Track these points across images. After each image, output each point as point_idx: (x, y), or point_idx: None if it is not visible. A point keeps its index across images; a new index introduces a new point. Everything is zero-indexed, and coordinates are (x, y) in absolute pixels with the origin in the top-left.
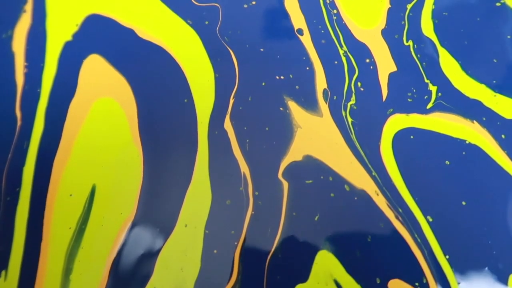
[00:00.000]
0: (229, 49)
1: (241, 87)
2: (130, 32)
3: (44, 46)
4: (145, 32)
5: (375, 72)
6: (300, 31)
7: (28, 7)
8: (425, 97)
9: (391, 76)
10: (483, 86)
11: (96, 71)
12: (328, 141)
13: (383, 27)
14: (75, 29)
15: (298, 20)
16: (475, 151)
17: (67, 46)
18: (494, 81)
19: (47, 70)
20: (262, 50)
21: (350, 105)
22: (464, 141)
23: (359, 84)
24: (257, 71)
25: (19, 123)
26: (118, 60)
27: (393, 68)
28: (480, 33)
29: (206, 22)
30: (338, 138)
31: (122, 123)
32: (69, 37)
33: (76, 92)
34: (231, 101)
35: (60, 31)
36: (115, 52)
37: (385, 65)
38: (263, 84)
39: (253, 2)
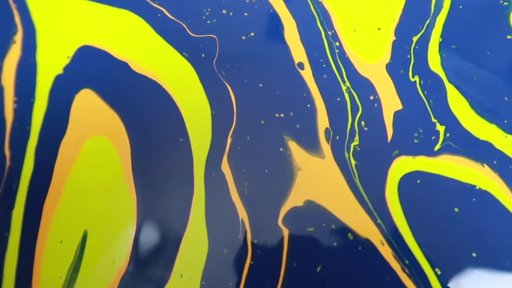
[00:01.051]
0: (226, 84)
1: (239, 125)
2: (124, 65)
3: (34, 79)
4: (139, 65)
5: (380, 110)
6: (301, 65)
7: (18, 37)
8: (433, 137)
9: (397, 114)
10: (493, 126)
11: (88, 107)
12: (331, 185)
13: (387, 61)
14: (66, 61)
15: (298, 53)
16: (486, 197)
17: (58, 80)
18: (506, 121)
19: (37, 106)
20: (260, 85)
21: (354, 146)
22: (474, 186)
23: (362, 123)
24: (256, 108)
25: (8, 163)
26: (111, 95)
27: (399, 106)
28: (490, 68)
29: (203, 55)
30: (341, 182)
31: (115, 164)
32: (60, 70)
33: (67, 129)
34: (229, 140)
35: (51, 64)
36: (107, 87)
37: (390, 103)
38: (262, 122)
39: (252, 34)
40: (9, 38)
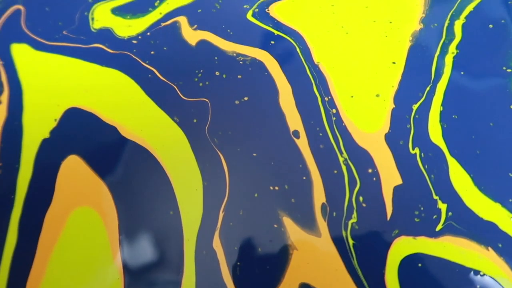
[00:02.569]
0: (218, 152)
1: (232, 198)
2: (112, 130)
3: (19, 144)
4: (128, 130)
5: (379, 185)
6: (296, 134)
7: (4, 97)
8: (434, 216)
9: (396, 190)
10: (498, 205)
11: (75, 175)
12: (327, 267)
13: (386, 131)
14: (53, 124)
15: (294, 120)
16: (491, 285)
17: (45, 145)
18: (511, 200)
19: (22, 173)
20: (254, 155)
21: (351, 223)
22: (479, 272)
23: (361, 198)
24: (250, 179)
25: None
26: (99, 162)
27: (398, 180)
28: (494, 140)
29: (195, 120)
30: (338, 264)
31: (101, 239)
32: (46, 134)
33: (53, 199)
34: (221, 215)
35: (37, 127)
36: (95, 153)
37: (389, 177)
38: (256, 195)
39: (245, 98)
40: None
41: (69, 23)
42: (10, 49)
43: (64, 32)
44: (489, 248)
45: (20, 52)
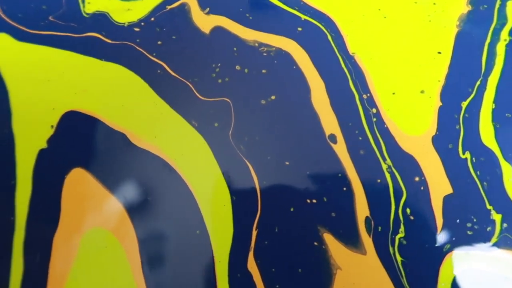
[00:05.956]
0: (246, 162)
1: (265, 214)
2: (121, 137)
3: (12, 155)
4: (140, 137)
5: (427, 195)
6: (333, 138)
7: None
8: (488, 228)
9: (446, 200)
10: None
11: (83, 191)
12: (375, 287)
13: (433, 133)
14: (50, 132)
15: (329, 122)
16: None
17: (42, 156)
18: None
19: (20, 190)
20: (287, 163)
21: (399, 238)
22: None
23: (408, 210)
24: (283, 192)
25: None
26: (108, 175)
27: (448, 189)
28: None
29: (216, 124)
30: (386, 284)
31: (121, 262)
32: (43, 144)
33: (60, 221)
34: (254, 232)
35: (31, 135)
36: (103, 165)
37: (438, 186)
38: (292, 209)
39: (272, 97)
40: None
41: (55, 7)
42: None
43: (51, 18)
44: None
45: None
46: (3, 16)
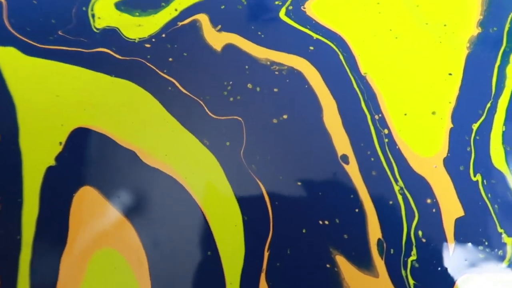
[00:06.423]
0: (258, 181)
1: (276, 235)
2: (131, 155)
3: (19, 173)
4: (151, 155)
5: (439, 217)
6: (345, 158)
7: None
8: (499, 252)
9: (458, 222)
10: None
11: (91, 210)
12: None
13: (445, 155)
14: (58, 149)
15: (341, 142)
16: None
17: (50, 174)
18: None
19: (27, 208)
20: (299, 184)
21: (411, 261)
22: None
23: (420, 233)
24: (295, 213)
25: None
26: (118, 195)
27: (460, 212)
28: None
29: (227, 143)
30: None
31: (131, 285)
32: (51, 161)
33: (68, 240)
34: (266, 254)
35: (39, 152)
36: (113, 183)
37: (450, 208)
38: (304, 231)
39: (284, 116)
40: None
41: (65, 21)
42: None
43: (60, 33)
44: None
45: (6, 58)
46: (11, 29)
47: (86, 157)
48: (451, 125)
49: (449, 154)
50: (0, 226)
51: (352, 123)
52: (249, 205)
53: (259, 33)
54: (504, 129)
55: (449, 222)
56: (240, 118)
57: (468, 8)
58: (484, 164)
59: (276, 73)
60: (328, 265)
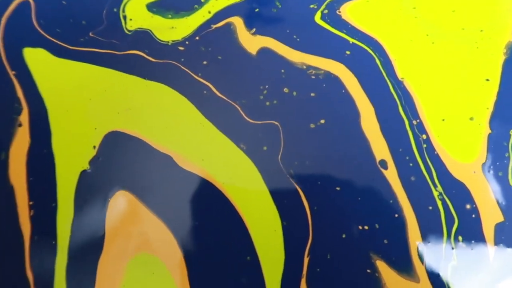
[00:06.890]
0: (297, 186)
1: (316, 240)
2: (167, 159)
3: (53, 177)
4: (187, 159)
5: (479, 223)
6: (384, 164)
7: (24, 118)
8: None
9: (498, 228)
10: None
11: (128, 214)
12: None
13: (483, 160)
14: (92, 153)
15: (380, 147)
16: None
17: (85, 178)
18: None
19: (61, 212)
20: (338, 189)
21: (451, 266)
22: None
23: (460, 238)
24: (335, 218)
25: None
26: (154, 199)
27: (499, 217)
28: None
29: (265, 148)
30: None
31: None
32: (85, 165)
33: (104, 245)
34: (306, 259)
35: (73, 156)
36: (149, 188)
37: (490, 214)
38: (344, 236)
39: (322, 121)
40: (11, 119)
41: (96, 22)
42: (22, 55)
43: (91, 34)
44: None
45: (36, 59)
46: (41, 31)
47: (121, 161)
48: (489, 131)
49: (487, 160)
50: (35, 231)
51: (390, 128)
52: (288, 210)
53: (294, 36)
54: None
55: (489, 227)
56: (277, 123)
57: (505, 14)
58: None
59: (313, 77)
60: (368, 270)
